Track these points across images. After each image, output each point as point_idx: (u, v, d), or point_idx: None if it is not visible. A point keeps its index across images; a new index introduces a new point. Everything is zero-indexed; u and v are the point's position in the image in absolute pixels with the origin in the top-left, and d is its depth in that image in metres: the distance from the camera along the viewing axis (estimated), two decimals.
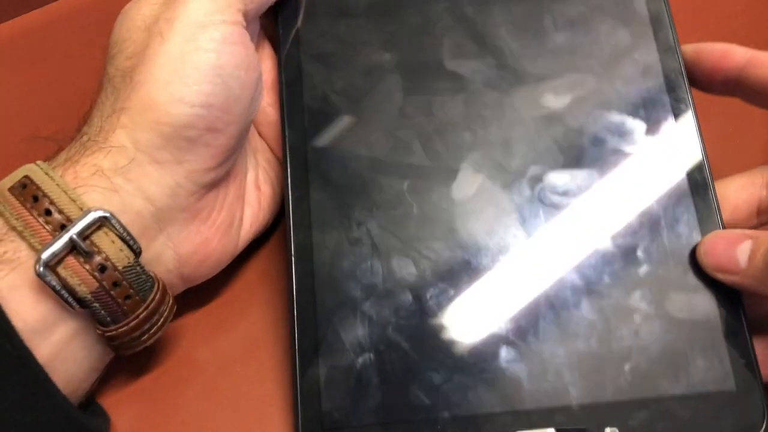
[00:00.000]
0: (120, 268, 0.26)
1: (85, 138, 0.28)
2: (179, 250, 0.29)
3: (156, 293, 0.27)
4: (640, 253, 0.28)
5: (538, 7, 0.31)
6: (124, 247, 0.26)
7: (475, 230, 0.28)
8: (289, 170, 0.29)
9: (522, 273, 0.28)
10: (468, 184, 0.29)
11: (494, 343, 0.27)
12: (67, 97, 0.36)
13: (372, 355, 0.27)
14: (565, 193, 0.29)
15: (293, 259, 0.28)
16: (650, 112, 0.29)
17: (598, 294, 0.27)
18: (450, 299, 0.28)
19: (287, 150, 0.30)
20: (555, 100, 0.30)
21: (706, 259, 0.27)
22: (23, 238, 0.26)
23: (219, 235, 0.30)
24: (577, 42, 0.30)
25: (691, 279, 0.27)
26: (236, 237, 0.31)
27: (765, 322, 0.28)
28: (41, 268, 0.25)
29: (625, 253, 0.28)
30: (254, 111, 0.30)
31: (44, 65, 0.38)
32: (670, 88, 0.30)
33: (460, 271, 0.28)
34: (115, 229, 0.26)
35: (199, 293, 0.31)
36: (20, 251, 0.25)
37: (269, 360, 0.30)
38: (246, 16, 0.29)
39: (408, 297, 0.28)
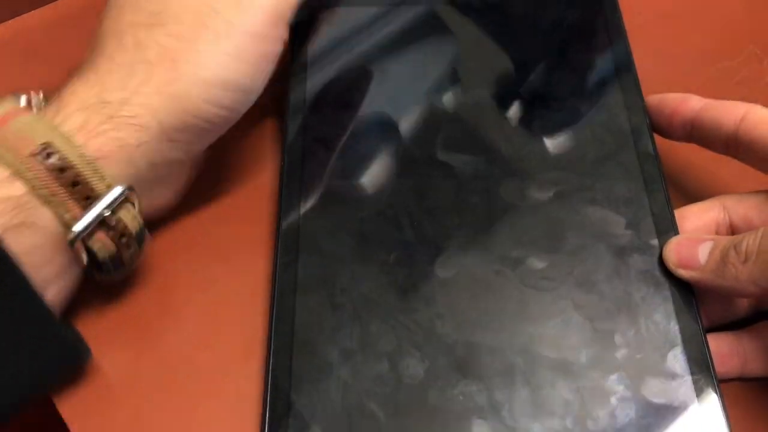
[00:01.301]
0: (134, 234, 0.28)
1: (108, 109, 0.28)
2: (150, 209, 0.31)
3: (148, 242, 0.30)
4: (618, 338, 0.28)
5: (529, 115, 0.34)
6: (138, 215, 0.28)
7: (456, 306, 0.29)
8: (281, 236, 0.31)
9: (499, 350, 0.28)
10: (451, 262, 0.30)
11: (468, 417, 0.27)
12: None
13: (345, 423, 0.27)
14: (545, 277, 0.29)
15: (274, 322, 0.29)
16: (629, 208, 0.31)
17: (575, 375, 0.28)
18: (426, 371, 0.28)
19: (281, 216, 0.31)
20: (539, 193, 0.31)
21: (670, 256, 0.29)
22: (50, 205, 0.26)
23: (177, 196, 0.33)
24: (564, 144, 0.33)
25: (669, 366, 0.28)
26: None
27: (722, 325, 0.30)
28: (73, 239, 0.27)
29: (603, 337, 0.28)
30: None
31: (44, 65, 0.37)
32: (649, 188, 0.31)
33: (439, 344, 0.28)
34: (134, 202, 0.28)
35: (199, 293, 0.32)
36: (45, 219, 0.26)
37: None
38: None
39: (385, 365, 0.28)
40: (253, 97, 0.30)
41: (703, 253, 0.28)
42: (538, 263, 0.30)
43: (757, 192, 0.31)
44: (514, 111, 0.34)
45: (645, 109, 0.34)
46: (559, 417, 0.27)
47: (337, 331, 0.29)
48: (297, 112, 0.34)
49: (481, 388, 0.27)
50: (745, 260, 0.26)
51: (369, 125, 0.34)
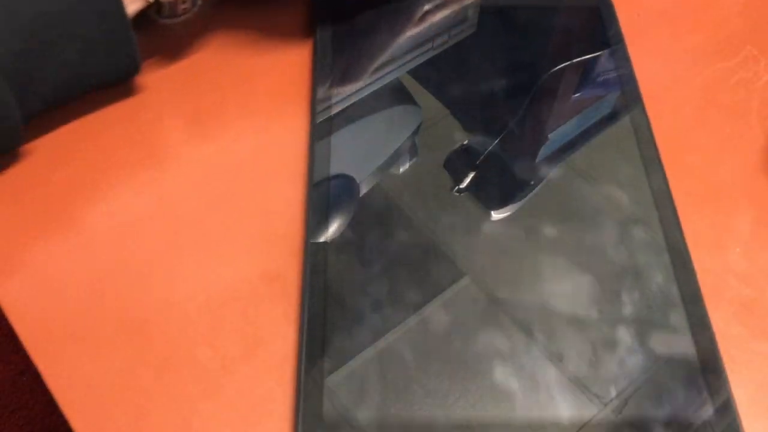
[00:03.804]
0: None
1: None
2: None
3: (197, 5, 0.37)
4: (624, 297, 0.31)
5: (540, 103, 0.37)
6: None
7: (477, 266, 0.32)
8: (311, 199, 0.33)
9: (518, 305, 0.31)
10: (471, 227, 0.33)
11: (489, 360, 0.29)
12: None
13: (375, 362, 0.29)
14: (558, 243, 0.33)
15: (308, 274, 0.31)
16: (632, 186, 0.34)
17: (586, 327, 0.30)
18: (451, 322, 0.30)
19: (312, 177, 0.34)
20: (551, 172, 0.35)
21: None
22: None
23: None
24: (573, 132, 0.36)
25: (671, 322, 0.30)
26: None
27: None
28: None
29: (611, 296, 0.31)
30: None
31: None
32: (648, 170, 0.35)
33: (462, 298, 0.31)
34: None
35: (200, 292, 0.32)
36: None
37: (271, 358, 0.31)
38: None
39: (412, 315, 0.31)
40: None
41: None
42: (551, 231, 0.33)
43: None
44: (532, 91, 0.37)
45: (644, 109, 0.36)
46: (573, 363, 0.29)
47: (367, 285, 0.31)
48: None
49: (502, 336, 0.30)
50: None
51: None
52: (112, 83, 0.36)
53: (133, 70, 0.36)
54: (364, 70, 0.39)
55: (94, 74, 0.35)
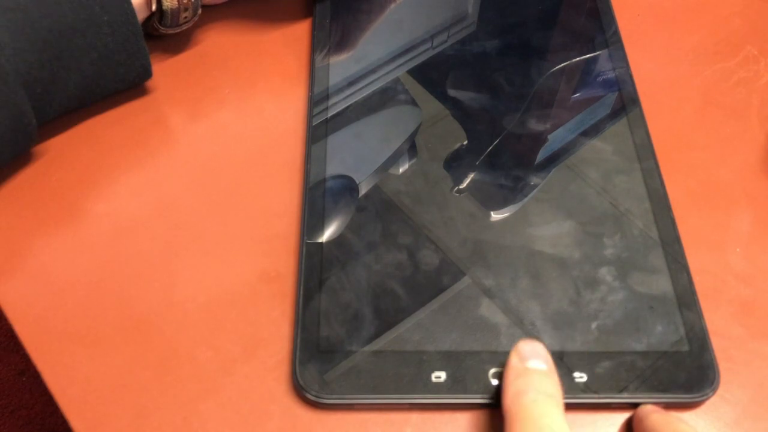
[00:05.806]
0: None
1: None
2: None
3: (197, 15, 0.39)
4: (606, 240, 0.33)
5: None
6: None
7: (465, 211, 0.33)
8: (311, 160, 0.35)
9: (503, 246, 0.32)
10: (461, 177, 0.35)
11: (477, 296, 0.31)
12: None
13: (368, 295, 0.31)
14: (543, 190, 0.34)
15: (306, 215, 0.33)
16: (615, 138, 0.36)
17: (570, 267, 0.32)
18: (441, 261, 0.32)
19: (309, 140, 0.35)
20: (537, 125, 0.37)
21: None
22: None
23: None
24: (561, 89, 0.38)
25: (651, 262, 0.32)
26: None
27: None
28: None
29: (594, 239, 0.33)
30: None
31: None
32: (631, 124, 0.36)
33: (451, 240, 0.32)
34: None
35: (200, 292, 0.32)
36: None
37: (270, 358, 0.31)
38: None
39: (404, 255, 0.32)
40: None
41: None
42: (536, 180, 0.34)
43: None
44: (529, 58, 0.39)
45: (630, 73, 0.38)
46: (556, 299, 0.31)
47: (362, 228, 0.33)
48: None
49: (488, 274, 0.31)
50: None
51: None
52: (126, 89, 0.38)
53: (146, 76, 0.37)
54: (360, 38, 0.40)
55: (110, 82, 0.36)
